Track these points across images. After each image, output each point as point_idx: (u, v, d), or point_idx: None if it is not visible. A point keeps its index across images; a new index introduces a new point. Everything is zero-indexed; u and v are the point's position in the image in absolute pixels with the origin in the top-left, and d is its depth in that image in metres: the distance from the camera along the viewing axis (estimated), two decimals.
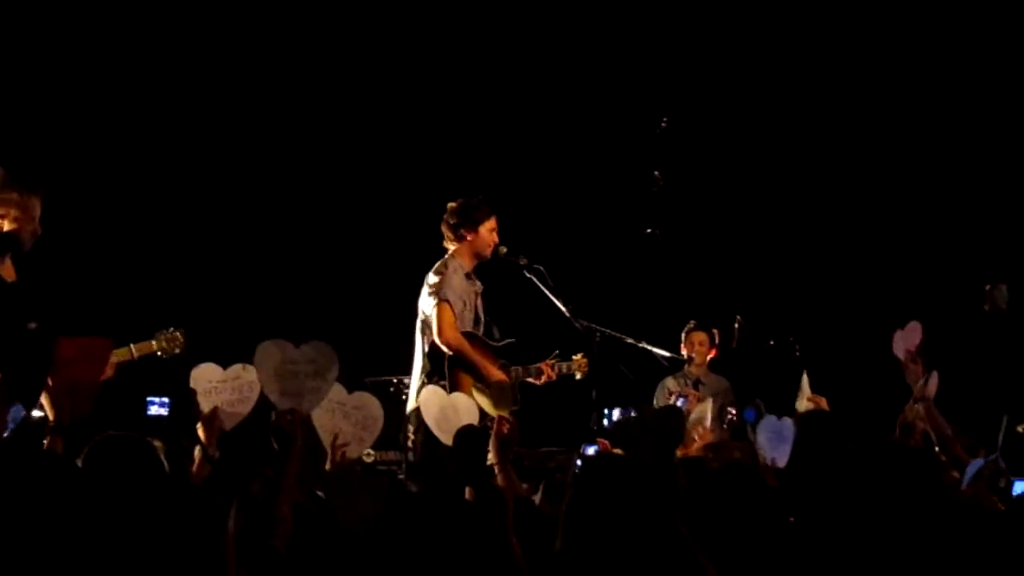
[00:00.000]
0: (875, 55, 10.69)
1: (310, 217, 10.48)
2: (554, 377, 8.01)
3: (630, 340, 8.46)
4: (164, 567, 3.54)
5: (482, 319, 8.06)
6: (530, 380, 7.99)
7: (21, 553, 3.44)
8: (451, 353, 7.71)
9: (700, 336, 9.31)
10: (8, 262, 6.40)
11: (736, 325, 9.30)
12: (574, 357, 8.15)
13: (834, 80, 10.82)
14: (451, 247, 8.00)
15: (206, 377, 5.21)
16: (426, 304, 7.82)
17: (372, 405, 5.43)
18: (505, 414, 5.69)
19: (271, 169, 10.44)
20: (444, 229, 8.01)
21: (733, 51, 10.83)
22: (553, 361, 8.06)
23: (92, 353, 5.81)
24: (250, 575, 3.84)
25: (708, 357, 9.27)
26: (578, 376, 8.11)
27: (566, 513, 3.82)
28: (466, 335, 7.81)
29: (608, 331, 8.21)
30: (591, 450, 6.89)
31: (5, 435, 5.85)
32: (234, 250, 10.24)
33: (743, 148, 10.98)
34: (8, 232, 6.33)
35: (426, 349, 7.77)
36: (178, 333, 6.60)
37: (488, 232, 7.98)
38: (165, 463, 4.51)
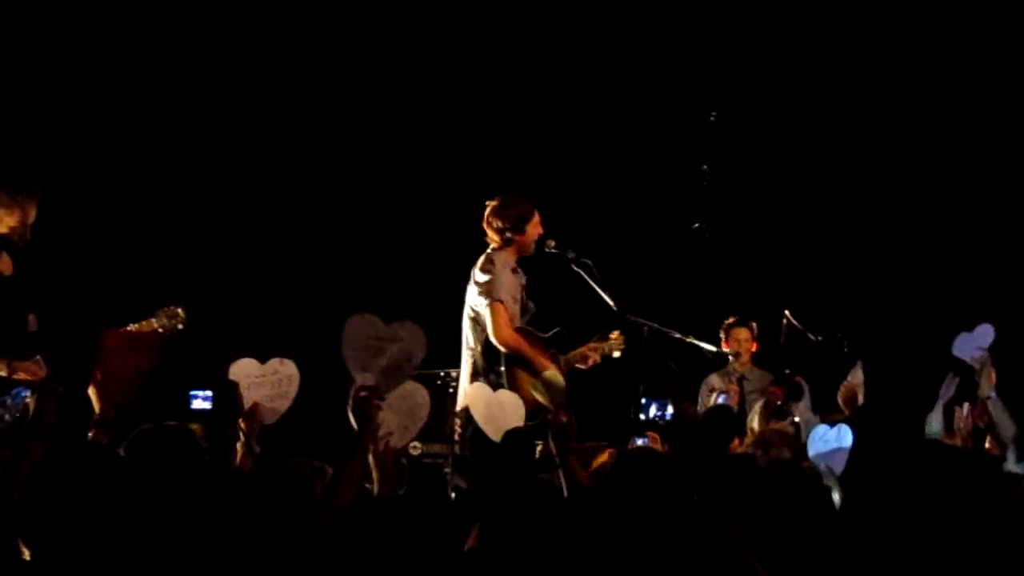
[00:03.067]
0: (928, 48, 10.60)
1: (353, 210, 10.49)
2: (598, 359, 8.04)
3: (677, 335, 8.45)
4: (209, 550, 3.55)
5: (530, 309, 8.09)
6: (578, 366, 8.03)
7: (65, 541, 3.48)
8: (507, 352, 7.76)
9: (743, 332, 9.28)
10: (6, 257, 6.47)
11: (783, 321, 9.26)
12: (610, 336, 8.17)
13: (882, 74, 10.75)
14: (495, 244, 8.02)
15: (244, 372, 5.20)
16: (476, 302, 7.84)
17: (418, 394, 5.38)
18: (560, 401, 5.66)
19: (312, 161, 10.45)
20: (488, 229, 8.03)
21: (782, 44, 10.77)
22: (596, 344, 8.09)
23: (137, 345, 5.85)
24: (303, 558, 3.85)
25: (751, 352, 9.24)
26: (616, 354, 8.12)
27: (598, 505, 3.81)
28: (518, 331, 7.85)
29: (655, 325, 8.21)
30: (640, 442, 6.88)
31: (8, 419, 5.95)
32: (277, 242, 10.27)
33: (792, 142, 10.93)
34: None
35: (479, 347, 7.80)
36: (179, 309, 6.58)
37: (533, 229, 8.01)
38: (204, 447, 4.55)
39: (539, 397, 5.96)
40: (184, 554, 3.48)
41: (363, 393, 4.59)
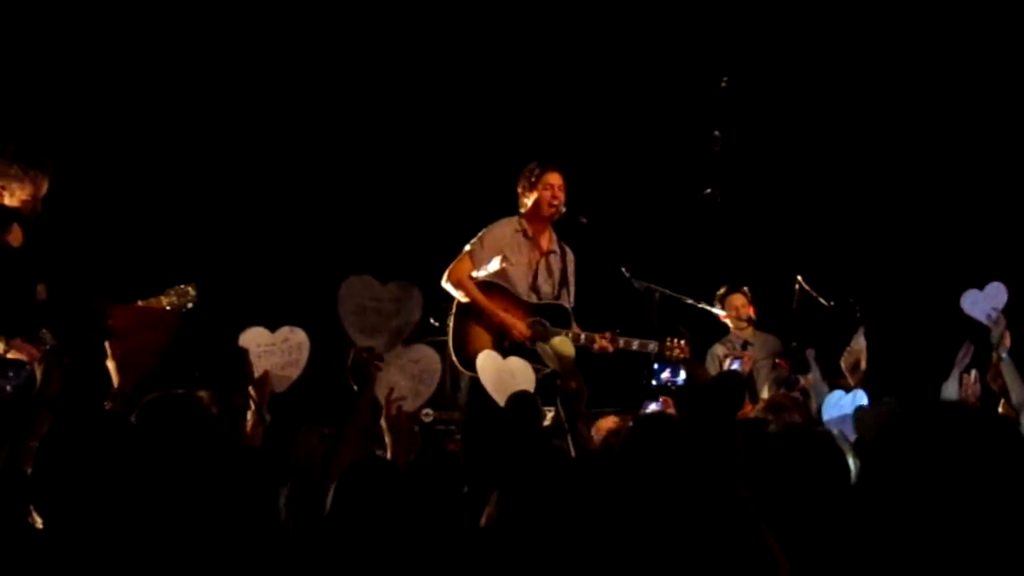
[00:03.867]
0: (943, 13, 10.54)
1: (366, 179, 10.43)
2: (610, 349, 7.95)
3: (689, 300, 8.44)
4: (216, 520, 3.55)
5: (545, 280, 8.05)
6: (581, 345, 7.96)
7: (77, 509, 3.50)
8: (452, 291, 7.82)
9: (737, 299, 9.24)
10: (16, 229, 6.51)
11: (796, 286, 9.25)
12: (675, 340, 8.02)
13: (897, 36, 10.69)
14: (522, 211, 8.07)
15: (255, 341, 5.18)
16: None
17: (430, 358, 5.38)
18: (569, 367, 5.63)
19: (331, 126, 10.38)
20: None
21: (794, 8, 10.71)
22: (611, 334, 8.00)
23: (153, 321, 5.86)
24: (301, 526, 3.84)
25: (751, 316, 9.20)
26: (678, 355, 8.00)
27: (614, 471, 3.80)
28: (487, 284, 7.88)
29: (667, 291, 8.19)
30: (652, 406, 6.88)
31: (9, 389, 5.98)
32: (288, 208, 10.20)
33: (804, 107, 10.88)
34: (7, 207, 6.44)
35: None
36: (189, 288, 6.56)
37: (542, 191, 7.99)
38: (213, 411, 4.54)
39: (548, 362, 5.92)
40: (191, 522, 3.48)
41: (363, 355, 4.56)
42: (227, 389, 4.73)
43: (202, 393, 4.85)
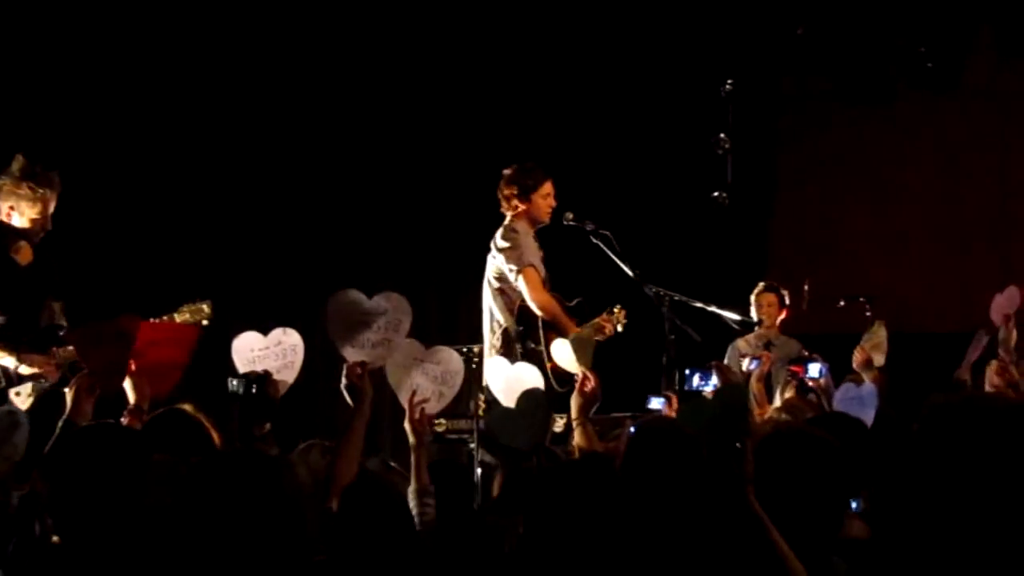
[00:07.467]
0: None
1: (372, 186, 10.36)
2: (612, 332, 8.00)
3: (698, 304, 8.43)
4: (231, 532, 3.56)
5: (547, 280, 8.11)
6: (598, 338, 8.02)
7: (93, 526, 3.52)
8: (544, 316, 7.80)
9: (768, 297, 9.26)
10: (25, 247, 6.54)
11: (805, 287, 9.27)
12: (614, 310, 8.13)
13: None
14: (509, 213, 8.04)
15: (248, 346, 5.12)
16: (503, 270, 7.90)
17: (452, 360, 5.34)
18: (587, 369, 5.63)
19: (327, 128, 10.27)
20: (500, 197, 8.07)
21: (795, 12, 10.72)
22: (606, 317, 8.05)
23: (176, 337, 5.85)
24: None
25: (779, 318, 9.21)
26: (619, 328, 8.05)
27: (620, 479, 3.80)
28: (552, 295, 7.92)
29: (676, 295, 8.20)
30: (655, 402, 6.86)
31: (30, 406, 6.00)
32: (289, 214, 10.09)
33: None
34: (17, 227, 6.48)
35: (508, 316, 7.85)
36: (204, 305, 6.51)
37: (543, 199, 8.02)
38: (215, 436, 4.53)
39: (562, 359, 5.88)
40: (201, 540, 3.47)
41: (357, 370, 4.55)
42: (249, 418, 4.68)
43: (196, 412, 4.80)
